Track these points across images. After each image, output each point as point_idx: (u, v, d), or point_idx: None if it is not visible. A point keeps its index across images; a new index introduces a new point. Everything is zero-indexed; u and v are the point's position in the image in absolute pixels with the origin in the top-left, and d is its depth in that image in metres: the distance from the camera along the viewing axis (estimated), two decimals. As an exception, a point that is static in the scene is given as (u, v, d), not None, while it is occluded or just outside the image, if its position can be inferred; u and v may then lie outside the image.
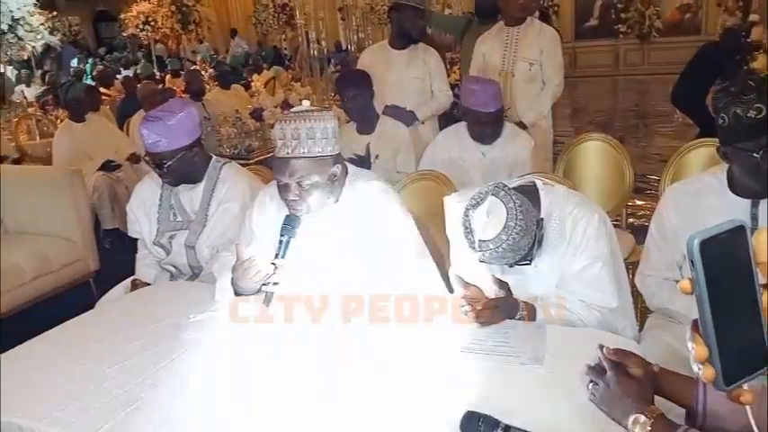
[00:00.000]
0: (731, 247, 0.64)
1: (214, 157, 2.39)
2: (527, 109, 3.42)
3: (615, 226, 3.06)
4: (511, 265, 1.73)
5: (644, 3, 12.31)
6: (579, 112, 9.80)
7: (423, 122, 3.61)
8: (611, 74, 12.80)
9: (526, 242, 1.61)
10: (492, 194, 1.63)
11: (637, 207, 4.67)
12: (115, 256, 4.46)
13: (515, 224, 1.58)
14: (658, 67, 11.69)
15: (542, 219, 1.71)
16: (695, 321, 0.66)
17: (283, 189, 1.79)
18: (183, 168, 2.22)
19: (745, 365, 0.65)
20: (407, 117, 3.49)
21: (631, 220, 4.11)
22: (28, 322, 3.29)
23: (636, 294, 2.06)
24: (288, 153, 1.74)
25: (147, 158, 2.22)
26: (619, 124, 8.61)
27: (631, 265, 2.46)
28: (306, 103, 1.85)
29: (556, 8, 12.29)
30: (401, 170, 3.08)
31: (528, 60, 3.44)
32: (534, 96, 3.45)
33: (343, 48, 9.51)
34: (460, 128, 2.97)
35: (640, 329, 1.94)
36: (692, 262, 0.64)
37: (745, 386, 0.66)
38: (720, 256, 0.64)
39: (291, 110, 1.81)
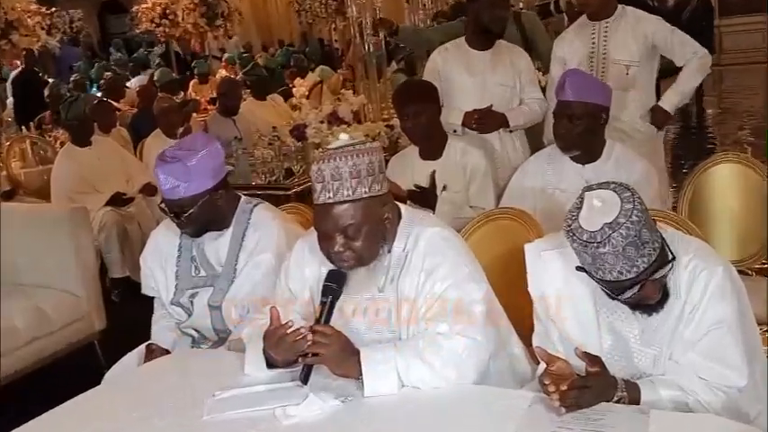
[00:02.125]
0: None
1: (243, 197, 2.57)
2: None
3: (760, 273, 3.08)
4: (631, 304, 1.80)
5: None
6: (727, 114, 9.65)
7: (511, 131, 3.73)
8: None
9: (650, 237, 1.70)
10: (600, 187, 1.75)
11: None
12: (125, 312, 4.72)
13: (633, 207, 1.68)
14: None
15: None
16: None
17: (325, 240, 1.95)
18: (205, 216, 2.40)
19: None
20: (496, 122, 3.61)
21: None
22: (26, 393, 3.57)
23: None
24: (329, 198, 1.90)
25: (163, 206, 2.42)
26: (780, 130, 8.43)
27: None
28: (344, 137, 2.02)
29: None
30: (475, 204, 3.21)
31: (623, 62, 3.54)
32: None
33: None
34: (557, 150, 3.06)
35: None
36: None
37: None
38: None
39: (329, 146, 1.98)
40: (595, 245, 1.70)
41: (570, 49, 3.69)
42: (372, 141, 2.04)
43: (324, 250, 1.98)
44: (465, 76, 3.71)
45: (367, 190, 1.91)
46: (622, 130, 3.51)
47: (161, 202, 2.43)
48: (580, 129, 2.83)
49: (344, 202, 1.89)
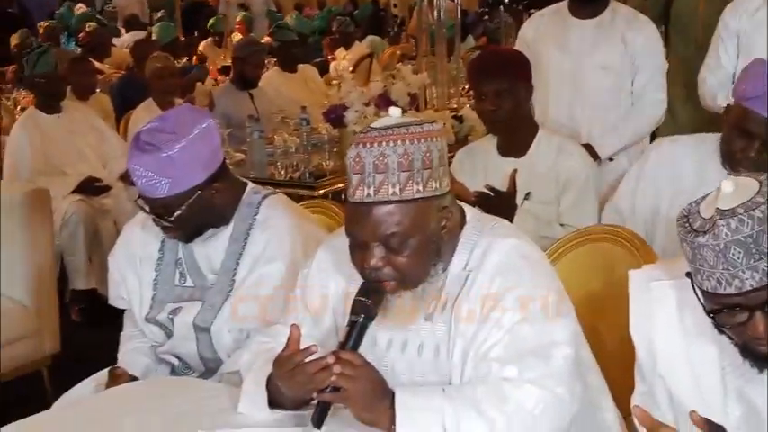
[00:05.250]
0: None
1: (250, 185, 2.60)
2: None
3: None
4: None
5: None
6: None
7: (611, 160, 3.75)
8: None
9: None
10: (750, 175, 1.73)
11: None
12: (86, 335, 4.78)
13: (766, 201, 1.63)
14: None
15: None
16: None
17: (360, 252, 1.95)
18: (197, 218, 2.44)
19: None
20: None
21: None
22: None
23: None
24: (368, 195, 1.89)
25: (141, 203, 2.45)
26: None
27: None
28: (396, 113, 2.01)
29: None
30: (568, 222, 3.21)
31: None
32: None
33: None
34: (697, 142, 2.98)
35: None
36: None
37: None
38: None
39: (373, 124, 1.96)
40: (696, 233, 1.67)
41: (754, 18, 3.59)
42: (432, 123, 2.02)
43: (356, 263, 1.98)
44: (554, 52, 3.74)
45: (421, 189, 1.91)
46: None
47: (138, 197, 2.46)
48: (756, 147, 2.70)
49: (389, 202, 1.89)
